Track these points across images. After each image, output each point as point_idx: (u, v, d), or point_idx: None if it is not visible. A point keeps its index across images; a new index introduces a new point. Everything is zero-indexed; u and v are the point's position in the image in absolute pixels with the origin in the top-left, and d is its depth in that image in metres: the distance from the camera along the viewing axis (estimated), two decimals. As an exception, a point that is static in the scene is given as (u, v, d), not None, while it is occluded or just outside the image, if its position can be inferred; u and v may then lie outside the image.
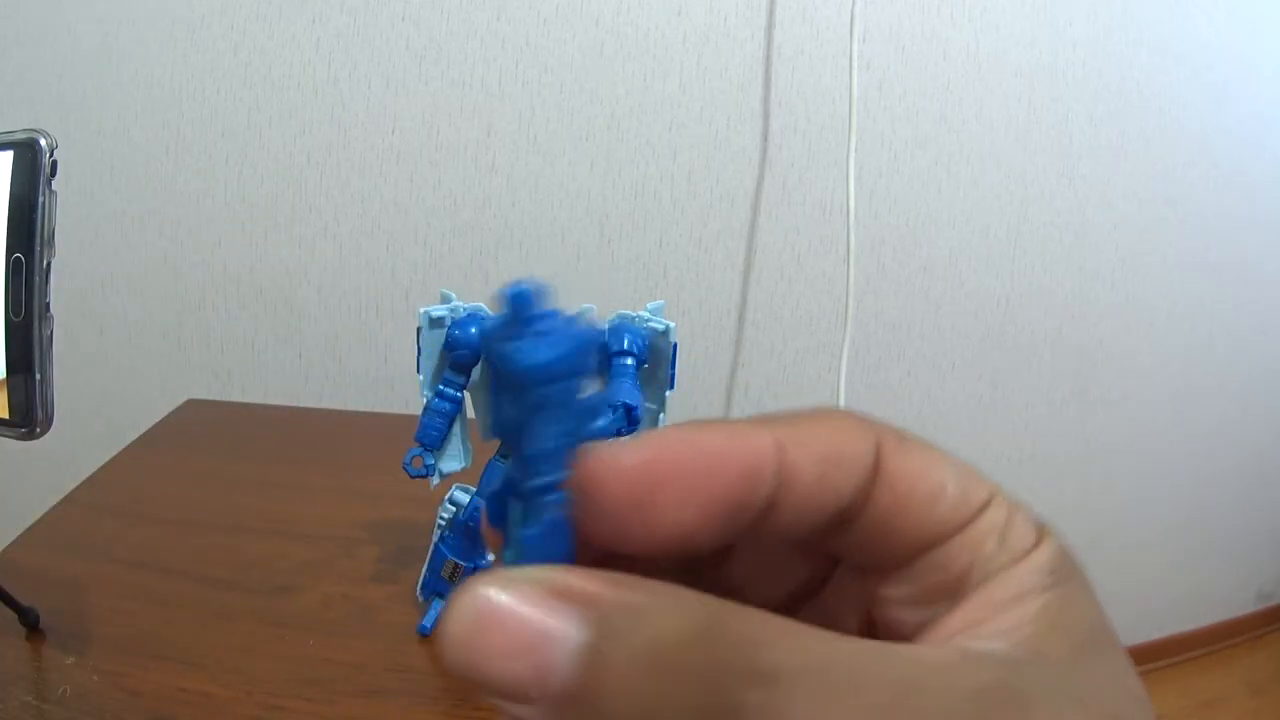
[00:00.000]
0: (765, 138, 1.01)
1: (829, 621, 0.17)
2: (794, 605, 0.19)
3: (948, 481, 0.17)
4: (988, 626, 0.16)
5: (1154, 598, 1.45)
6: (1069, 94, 1.09)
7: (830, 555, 0.18)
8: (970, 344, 1.16)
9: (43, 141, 0.36)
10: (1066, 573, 0.17)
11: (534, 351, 0.13)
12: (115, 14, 0.93)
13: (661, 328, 0.50)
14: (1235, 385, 1.37)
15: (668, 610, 0.13)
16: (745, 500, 0.15)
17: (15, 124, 0.37)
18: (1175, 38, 1.13)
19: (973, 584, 0.17)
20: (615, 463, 0.14)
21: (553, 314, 0.14)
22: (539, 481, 0.14)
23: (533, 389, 0.14)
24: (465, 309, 0.51)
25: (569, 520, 0.14)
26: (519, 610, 0.13)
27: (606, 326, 0.51)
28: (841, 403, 1.00)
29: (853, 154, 0.97)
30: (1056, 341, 1.20)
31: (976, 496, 0.17)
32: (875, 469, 0.16)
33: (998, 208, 1.11)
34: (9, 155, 0.37)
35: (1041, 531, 0.17)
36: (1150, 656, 1.44)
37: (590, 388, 0.14)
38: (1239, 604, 1.54)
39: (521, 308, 0.14)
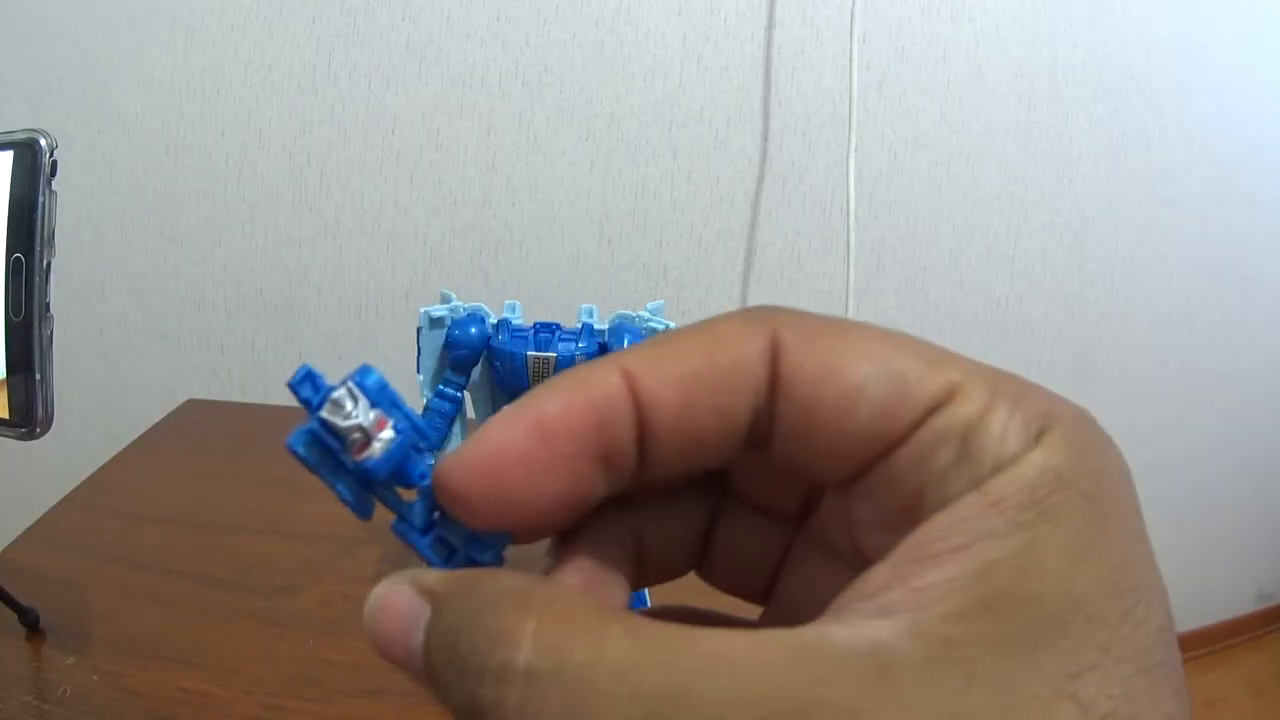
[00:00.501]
0: (765, 138, 1.01)
1: (823, 541, 0.16)
2: (801, 519, 0.17)
3: (870, 376, 0.13)
4: (899, 590, 0.12)
5: (1154, 598, 1.45)
6: (1069, 94, 1.09)
7: (790, 472, 0.16)
8: (970, 344, 1.16)
9: (43, 141, 0.36)
10: (1057, 506, 0.12)
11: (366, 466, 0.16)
12: (115, 14, 0.93)
13: (661, 328, 0.50)
14: (1235, 385, 1.37)
15: (457, 600, 0.14)
16: (606, 448, 0.14)
17: (15, 124, 0.37)
18: (1175, 38, 1.13)
19: (929, 509, 0.13)
20: (456, 469, 0.15)
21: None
22: (412, 518, 0.17)
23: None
24: (465, 309, 0.51)
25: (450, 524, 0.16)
26: (394, 602, 0.15)
27: (606, 326, 0.51)
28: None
29: (853, 154, 0.97)
30: (1056, 341, 1.20)
31: (927, 389, 0.13)
32: (773, 376, 0.14)
33: (998, 208, 1.11)
34: (9, 155, 0.37)
35: (1045, 432, 0.13)
36: (1150, 656, 1.44)
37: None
38: (1239, 604, 1.54)
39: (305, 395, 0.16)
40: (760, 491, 0.18)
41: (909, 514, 0.13)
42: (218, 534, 0.63)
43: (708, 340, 0.14)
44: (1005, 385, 0.13)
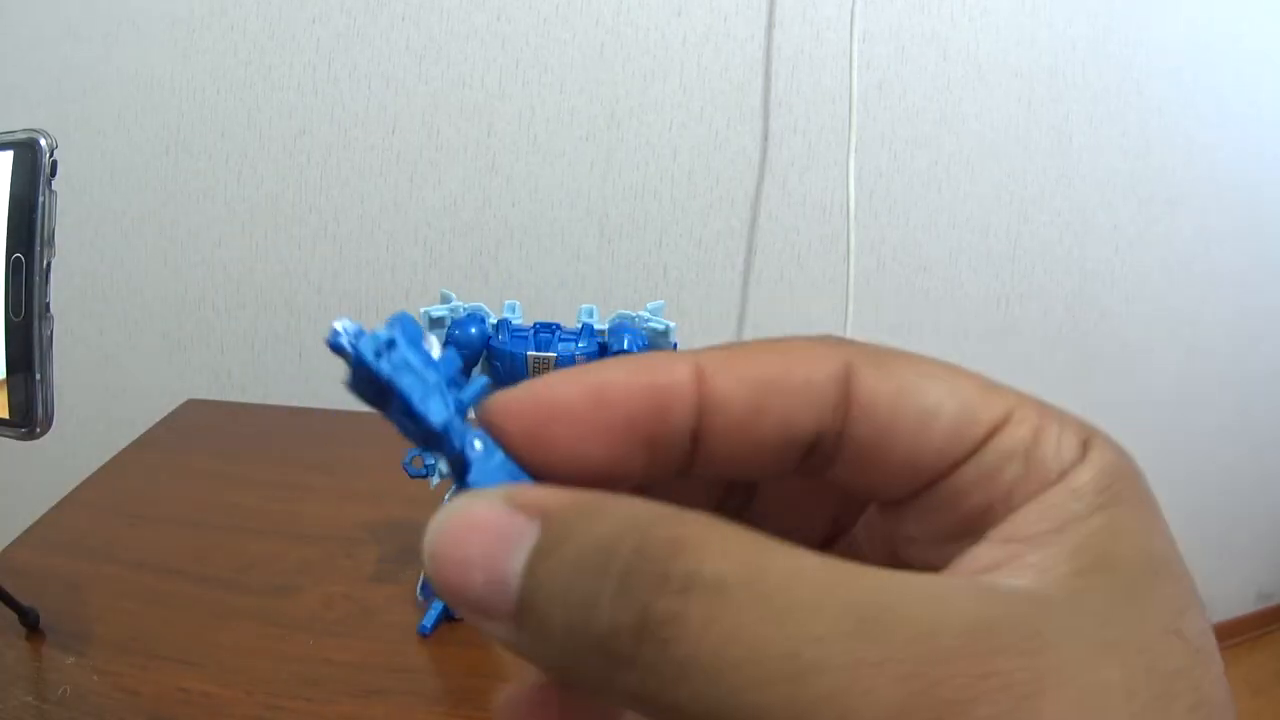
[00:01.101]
0: (765, 138, 1.01)
1: (853, 558, 0.16)
2: (828, 543, 0.18)
3: (943, 400, 0.15)
4: (1015, 564, 0.14)
5: (1154, 598, 1.45)
6: (1069, 94, 1.09)
7: (847, 491, 0.16)
8: (970, 344, 1.16)
9: (43, 141, 0.36)
10: (1120, 492, 0.14)
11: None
12: (115, 14, 0.93)
13: (661, 328, 0.50)
14: (1235, 385, 1.37)
15: (604, 513, 0.13)
16: (658, 434, 0.15)
17: (15, 124, 0.37)
18: (1175, 38, 1.13)
19: (998, 516, 0.14)
20: (509, 402, 0.15)
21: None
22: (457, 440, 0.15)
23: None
24: (465, 309, 0.51)
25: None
26: (487, 519, 0.13)
27: (606, 326, 0.51)
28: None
29: (853, 154, 0.97)
30: (1056, 341, 1.20)
31: (988, 414, 0.15)
32: (846, 395, 0.15)
33: (998, 208, 1.11)
34: (9, 155, 0.37)
35: (1089, 443, 0.15)
36: (1150, 656, 1.44)
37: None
38: (1239, 604, 1.54)
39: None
40: (785, 514, 0.18)
41: (971, 524, 0.15)
42: (218, 534, 0.63)
43: (784, 353, 0.15)
44: (1047, 409, 0.15)
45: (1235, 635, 1.53)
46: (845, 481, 0.16)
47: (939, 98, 1.04)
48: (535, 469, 0.15)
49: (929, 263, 1.11)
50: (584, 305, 0.52)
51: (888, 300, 1.10)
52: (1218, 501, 1.44)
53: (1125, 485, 0.14)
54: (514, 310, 0.53)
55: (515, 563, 0.13)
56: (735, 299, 1.06)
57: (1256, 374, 1.38)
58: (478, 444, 0.15)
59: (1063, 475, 0.14)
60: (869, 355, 0.15)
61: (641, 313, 0.51)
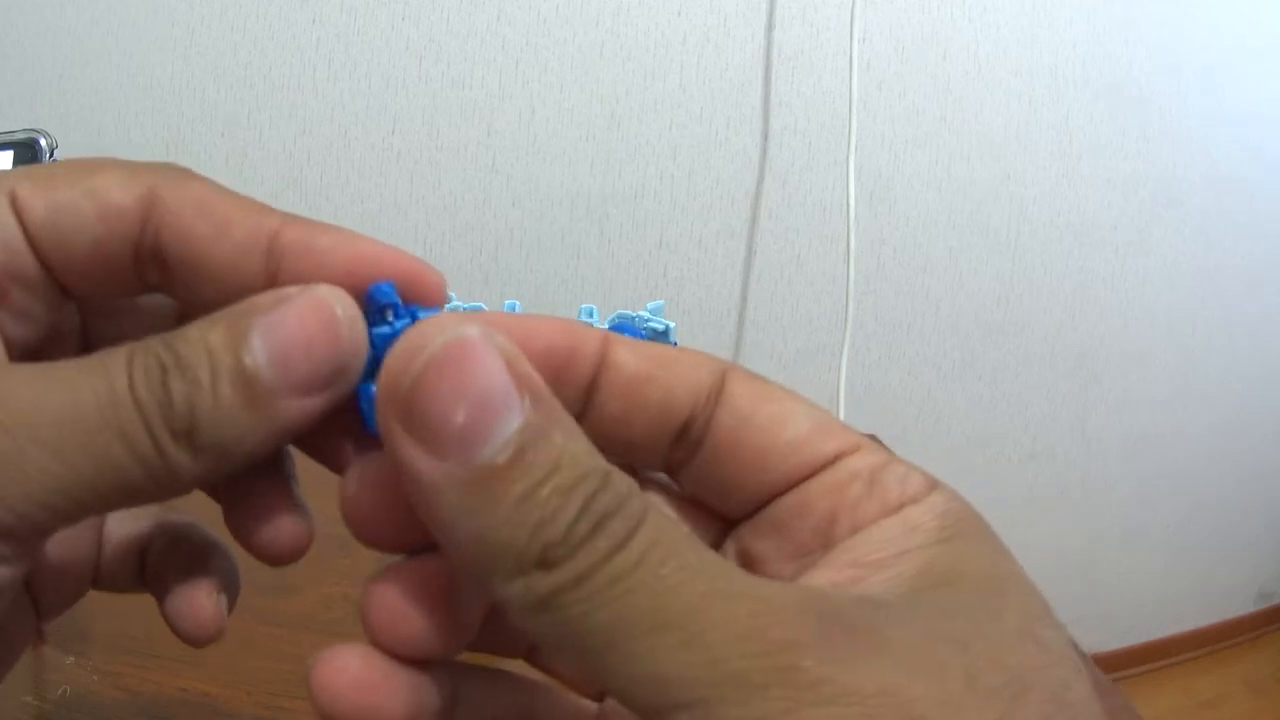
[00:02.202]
0: (765, 138, 1.01)
1: None
2: None
3: (799, 415, 0.16)
4: (859, 585, 0.14)
5: (1154, 598, 1.45)
6: (1069, 94, 1.09)
7: (700, 502, 0.18)
8: (970, 344, 1.16)
9: (43, 141, 0.36)
10: (962, 528, 0.15)
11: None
12: (115, 14, 0.93)
13: (661, 328, 0.50)
14: (1235, 385, 1.37)
15: (577, 433, 0.14)
16: (565, 370, 0.16)
17: (15, 124, 0.37)
18: (1175, 38, 1.13)
19: (841, 534, 0.15)
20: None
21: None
22: None
23: None
24: (465, 309, 0.51)
25: None
26: (482, 366, 0.13)
27: (606, 326, 0.51)
28: (842, 403, 1.00)
29: (853, 154, 0.97)
30: (1056, 341, 1.20)
31: (841, 439, 0.16)
32: (720, 389, 0.16)
33: (998, 208, 1.11)
34: (9, 155, 0.37)
35: (934, 486, 0.16)
36: (1150, 656, 1.44)
37: None
38: (1239, 604, 1.54)
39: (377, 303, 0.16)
40: None
41: (817, 540, 0.16)
42: (218, 533, 0.63)
43: (680, 351, 0.17)
44: (896, 455, 0.17)
45: (1235, 635, 1.53)
46: (705, 483, 0.17)
47: (939, 98, 1.04)
48: None
49: (929, 263, 1.11)
50: (584, 305, 0.52)
51: (888, 300, 1.10)
52: (1218, 501, 1.44)
53: (967, 522, 0.15)
54: (514, 310, 0.53)
55: (502, 427, 0.13)
56: (735, 299, 1.06)
57: (1256, 374, 1.38)
58: None
59: (904, 505, 0.15)
60: (748, 372, 0.17)
61: (641, 313, 0.51)
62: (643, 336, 0.50)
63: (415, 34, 0.94)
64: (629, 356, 0.17)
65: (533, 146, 0.98)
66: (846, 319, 1.01)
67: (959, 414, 1.19)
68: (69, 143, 0.38)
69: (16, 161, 0.37)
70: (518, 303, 0.52)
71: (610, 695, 0.14)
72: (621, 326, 0.50)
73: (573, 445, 0.13)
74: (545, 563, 0.12)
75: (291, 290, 0.15)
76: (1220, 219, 1.25)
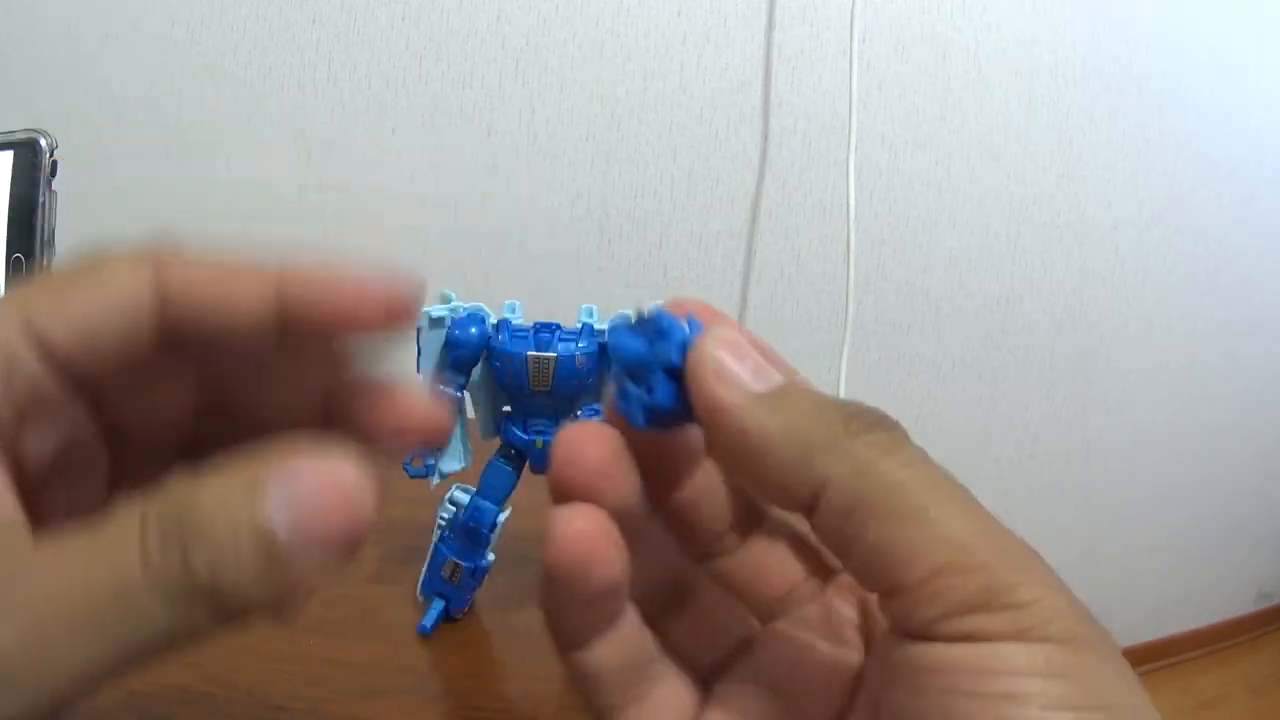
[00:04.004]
0: (765, 138, 1.01)
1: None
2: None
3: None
4: None
5: (1154, 598, 1.45)
6: (1069, 94, 1.09)
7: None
8: (970, 344, 1.16)
9: (43, 141, 0.36)
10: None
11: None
12: (115, 14, 0.93)
13: (661, 328, 0.50)
14: (1235, 385, 1.37)
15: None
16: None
17: (15, 124, 0.37)
18: (1175, 38, 1.13)
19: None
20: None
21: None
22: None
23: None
24: (465, 309, 0.51)
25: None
26: (751, 343, 0.20)
27: (606, 326, 0.51)
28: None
29: (853, 154, 0.97)
30: (1056, 341, 1.20)
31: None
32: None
33: (998, 208, 1.11)
34: (9, 155, 0.37)
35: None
36: (1150, 656, 1.44)
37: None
38: (1239, 604, 1.54)
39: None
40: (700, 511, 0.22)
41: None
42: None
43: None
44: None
45: (1235, 635, 1.53)
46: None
47: (939, 98, 1.04)
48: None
49: (929, 263, 1.11)
50: (584, 305, 0.52)
51: (888, 300, 1.10)
52: (1218, 501, 1.44)
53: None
54: (514, 310, 0.53)
55: (773, 374, 0.19)
56: (735, 299, 1.06)
57: (1256, 374, 1.38)
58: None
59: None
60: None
61: (641, 313, 0.51)
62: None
63: (415, 34, 0.94)
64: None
65: (533, 146, 0.98)
66: (846, 319, 1.01)
67: (959, 414, 1.19)
68: (69, 143, 0.38)
69: (16, 161, 0.37)
70: (518, 303, 0.52)
71: (887, 561, 0.16)
72: (621, 327, 0.50)
73: (818, 395, 0.19)
74: (857, 432, 0.17)
75: (304, 458, 0.16)
76: (1220, 219, 1.25)
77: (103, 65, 0.94)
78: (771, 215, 1.04)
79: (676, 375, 0.20)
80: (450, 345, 0.50)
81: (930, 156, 1.06)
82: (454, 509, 0.52)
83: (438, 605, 0.54)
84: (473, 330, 0.50)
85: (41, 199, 0.36)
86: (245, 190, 0.98)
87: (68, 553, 0.15)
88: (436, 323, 0.51)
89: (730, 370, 0.18)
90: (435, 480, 0.52)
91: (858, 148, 0.98)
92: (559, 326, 0.51)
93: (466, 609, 0.54)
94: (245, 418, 0.20)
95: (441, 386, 0.51)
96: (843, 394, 1.00)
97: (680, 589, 0.22)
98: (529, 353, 0.48)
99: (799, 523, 0.20)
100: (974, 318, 1.15)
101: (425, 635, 0.53)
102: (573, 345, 0.49)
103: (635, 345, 0.21)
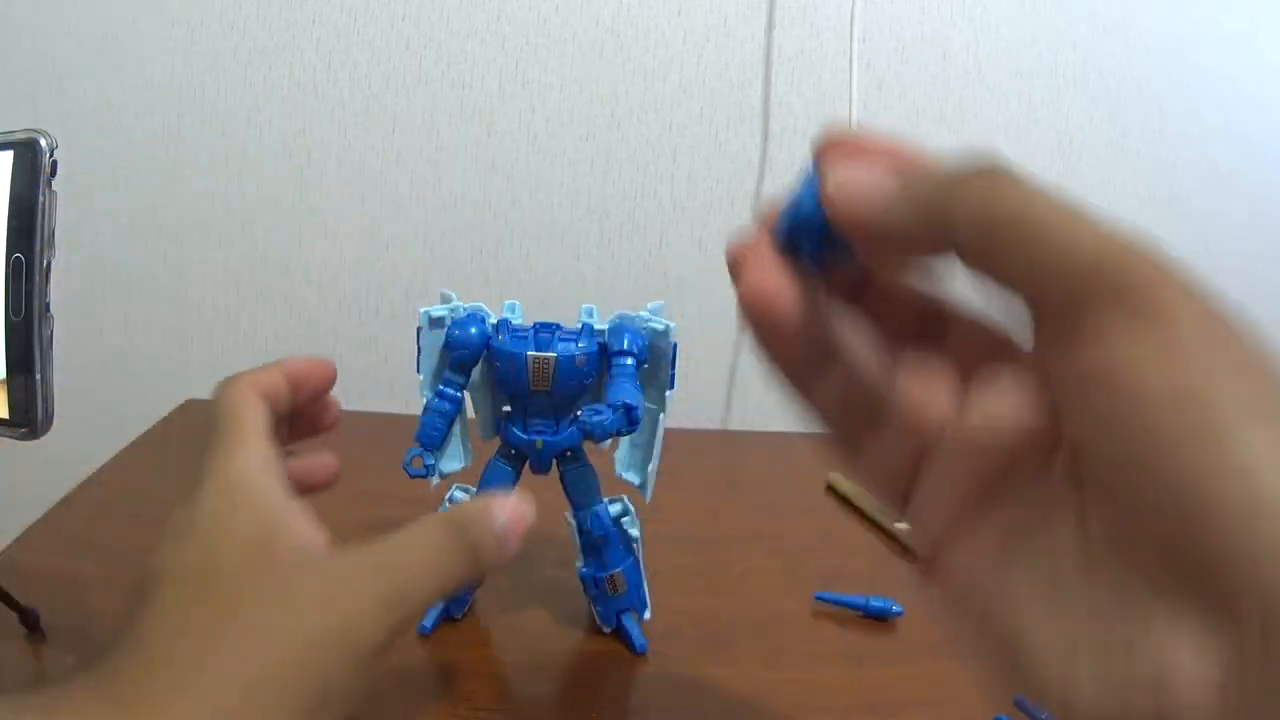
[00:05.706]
0: (765, 138, 1.01)
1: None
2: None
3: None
4: None
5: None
6: (1069, 94, 1.09)
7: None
8: (970, 344, 1.16)
9: (43, 141, 0.36)
10: None
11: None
12: (115, 14, 0.93)
13: (661, 328, 0.50)
14: (1235, 385, 1.37)
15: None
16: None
17: (15, 124, 0.37)
18: (1175, 38, 1.13)
19: None
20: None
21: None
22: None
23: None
24: (465, 309, 0.51)
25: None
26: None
27: (606, 326, 0.51)
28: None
29: (853, 154, 0.97)
30: (1056, 341, 1.20)
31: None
32: None
33: (998, 208, 1.11)
34: (9, 155, 0.37)
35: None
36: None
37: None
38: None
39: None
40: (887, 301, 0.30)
41: None
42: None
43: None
44: None
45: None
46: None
47: (939, 98, 1.04)
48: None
49: (929, 263, 1.11)
50: (584, 305, 0.52)
51: (888, 300, 1.10)
52: (1218, 501, 1.44)
53: None
54: (514, 310, 0.53)
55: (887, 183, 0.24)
56: (735, 299, 1.06)
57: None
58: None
59: None
60: None
61: (641, 312, 0.51)
62: (643, 337, 0.50)
63: (415, 34, 0.94)
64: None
65: (533, 146, 0.98)
66: (846, 319, 1.01)
67: (959, 414, 1.19)
68: (69, 143, 0.38)
69: (16, 161, 0.37)
70: (518, 303, 0.52)
71: (1023, 273, 0.21)
72: (621, 326, 0.50)
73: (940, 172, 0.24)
74: (989, 172, 0.23)
75: (504, 500, 0.31)
76: (1220, 219, 1.25)
77: (103, 65, 0.94)
78: (771, 215, 1.04)
79: (823, 225, 0.25)
80: (450, 345, 0.50)
81: (930, 156, 1.06)
82: (454, 509, 0.52)
83: (437, 605, 0.54)
84: (473, 330, 0.50)
85: (41, 199, 0.36)
86: (245, 190, 0.98)
87: (377, 551, 0.30)
88: (436, 323, 0.51)
89: (855, 195, 0.24)
90: (435, 480, 0.52)
91: (858, 148, 0.98)
92: (559, 326, 0.51)
93: (466, 609, 0.54)
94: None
95: (441, 387, 0.51)
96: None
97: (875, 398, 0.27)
98: (529, 353, 0.48)
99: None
100: (974, 318, 1.15)
101: (425, 635, 0.53)
102: (573, 345, 0.49)
103: (785, 224, 0.28)
